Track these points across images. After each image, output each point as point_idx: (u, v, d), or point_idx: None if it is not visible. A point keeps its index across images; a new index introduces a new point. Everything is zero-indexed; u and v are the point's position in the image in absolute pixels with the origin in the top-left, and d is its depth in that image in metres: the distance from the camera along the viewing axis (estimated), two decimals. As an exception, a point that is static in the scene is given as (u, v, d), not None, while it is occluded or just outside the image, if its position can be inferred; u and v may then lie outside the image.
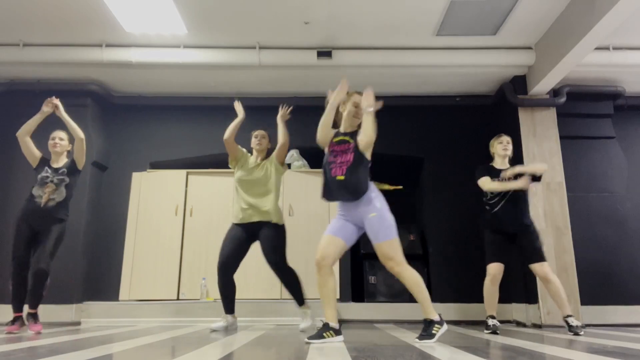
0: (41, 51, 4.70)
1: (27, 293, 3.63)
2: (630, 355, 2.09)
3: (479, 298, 4.97)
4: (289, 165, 5.34)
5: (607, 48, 4.66)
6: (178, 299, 4.93)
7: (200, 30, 4.50)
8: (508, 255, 3.81)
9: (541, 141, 4.93)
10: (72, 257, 4.88)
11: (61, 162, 3.89)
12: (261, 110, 5.54)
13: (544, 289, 4.50)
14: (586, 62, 4.53)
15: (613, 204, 5.05)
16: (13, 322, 3.58)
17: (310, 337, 2.64)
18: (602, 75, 5.07)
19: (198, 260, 5.06)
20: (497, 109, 5.44)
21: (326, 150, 2.93)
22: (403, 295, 5.21)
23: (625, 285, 4.81)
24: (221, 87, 5.41)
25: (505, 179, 3.68)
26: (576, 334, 3.36)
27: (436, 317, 2.71)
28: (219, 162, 5.55)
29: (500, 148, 3.89)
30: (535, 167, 3.85)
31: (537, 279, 4.51)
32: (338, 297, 4.93)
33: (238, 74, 5.07)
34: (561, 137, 4.97)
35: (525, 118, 5.00)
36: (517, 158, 4.98)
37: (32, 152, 3.86)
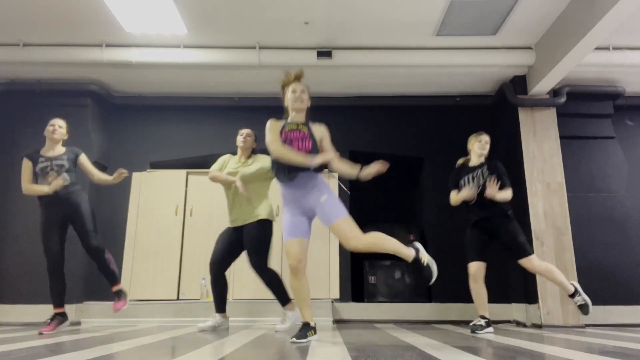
0: (41, 51, 4.70)
1: (102, 274, 3.72)
2: (630, 355, 2.09)
3: (479, 298, 4.97)
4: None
5: (607, 48, 4.66)
6: (178, 299, 4.93)
7: (200, 30, 4.50)
8: (488, 252, 3.82)
9: (541, 141, 4.93)
10: (72, 257, 4.85)
11: (57, 150, 3.84)
12: (261, 110, 5.55)
13: (544, 289, 4.52)
14: (586, 62, 4.53)
15: (613, 204, 5.05)
16: (51, 320, 3.59)
17: (296, 337, 2.66)
18: (602, 75, 5.07)
19: (198, 260, 5.05)
20: (497, 109, 5.44)
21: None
22: (403, 295, 5.21)
23: (625, 285, 4.81)
24: (221, 87, 5.41)
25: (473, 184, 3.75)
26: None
27: (417, 257, 2.84)
28: (219, 162, 5.56)
29: (478, 147, 3.91)
30: (504, 196, 3.70)
31: (537, 279, 4.52)
32: (338, 297, 4.97)
33: (238, 74, 5.07)
34: (561, 137, 4.97)
35: (525, 118, 5.00)
36: (517, 158, 4.99)
37: (31, 178, 3.81)
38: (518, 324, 4.76)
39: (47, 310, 4.66)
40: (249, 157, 3.90)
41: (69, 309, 4.71)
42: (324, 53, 4.74)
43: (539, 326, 4.41)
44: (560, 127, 5.00)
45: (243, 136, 3.95)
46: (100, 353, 2.15)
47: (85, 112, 5.21)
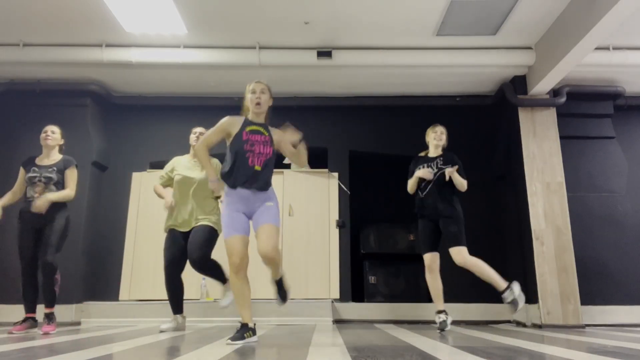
0: (41, 51, 4.70)
1: (40, 291, 3.64)
2: (630, 355, 2.09)
3: (479, 298, 4.98)
4: (288, 166, 5.34)
5: (607, 48, 4.66)
6: (178, 299, 4.92)
7: (200, 30, 4.50)
8: (439, 243, 3.84)
9: (541, 141, 4.93)
10: (72, 257, 4.87)
11: (52, 158, 3.82)
12: (261, 110, 5.56)
13: (544, 289, 4.52)
14: (586, 62, 4.53)
15: (613, 204, 5.05)
16: (22, 322, 3.58)
17: (232, 339, 2.58)
18: (602, 75, 5.06)
19: (198, 260, 5.05)
20: (497, 109, 5.44)
21: (232, 135, 2.82)
22: (403, 295, 5.21)
23: (625, 285, 4.81)
24: (221, 87, 5.41)
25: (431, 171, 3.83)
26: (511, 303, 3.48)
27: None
28: (219, 162, 5.56)
29: (434, 137, 3.98)
30: (460, 180, 3.78)
31: (537, 279, 4.52)
32: (338, 297, 4.97)
33: (238, 74, 5.06)
34: (561, 137, 4.97)
35: (525, 118, 5.00)
36: (517, 158, 4.99)
37: (22, 189, 3.82)
38: (518, 324, 4.76)
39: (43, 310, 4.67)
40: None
41: (69, 309, 4.72)
42: (324, 53, 4.74)
43: (539, 326, 4.41)
44: (560, 127, 5.00)
45: (196, 135, 3.91)
46: (100, 353, 2.15)
47: (85, 112, 5.20)
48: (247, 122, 2.88)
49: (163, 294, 4.91)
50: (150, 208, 5.19)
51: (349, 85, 5.36)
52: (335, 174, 5.40)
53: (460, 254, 3.62)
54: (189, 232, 3.66)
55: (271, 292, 4.58)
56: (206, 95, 5.57)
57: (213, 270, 3.62)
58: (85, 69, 4.98)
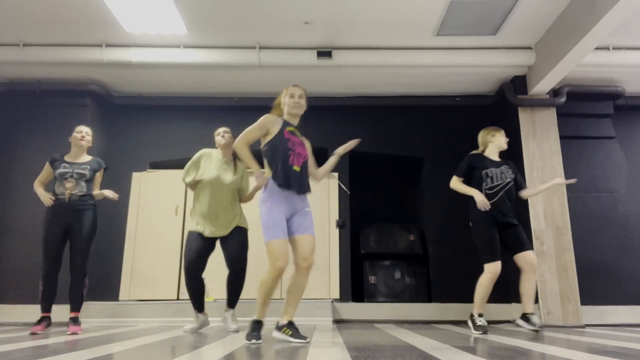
0: (41, 51, 4.70)
1: (69, 292, 3.61)
2: (630, 355, 2.09)
3: (479, 298, 4.97)
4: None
5: (607, 48, 4.66)
6: (178, 299, 4.93)
7: (200, 30, 4.50)
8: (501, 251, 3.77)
9: (541, 141, 4.93)
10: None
11: (82, 158, 3.83)
12: (261, 110, 5.54)
13: (544, 290, 4.51)
14: (586, 62, 4.53)
15: (613, 204, 5.05)
16: (39, 321, 3.55)
17: (255, 337, 2.63)
18: (602, 75, 5.07)
19: (198, 260, 5.05)
20: (497, 109, 5.44)
21: (272, 133, 2.81)
22: (403, 295, 5.21)
23: (625, 285, 4.81)
24: (221, 87, 5.41)
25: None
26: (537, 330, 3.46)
27: None
28: (219, 162, 5.55)
29: (504, 141, 3.84)
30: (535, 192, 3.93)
31: (537, 279, 4.51)
32: (338, 297, 4.97)
33: (238, 74, 5.07)
34: (561, 137, 4.97)
35: (525, 118, 5.00)
36: (517, 158, 4.99)
37: (47, 179, 3.82)
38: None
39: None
40: (231, 160, 3.69)
41: (64, 309, 4.72)
42: (324, 53, 4.74)
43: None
44: (560, 127, 5.00)
45: (221, 134, 3.74)
46: (100, 353, 2.15)
47: (85, 112, 5.20)
48: (285, 123, 2.88)
49: (163, 294, 4.95)
50: (150, 208, 5.19)
51: (349, 85, 5.35)
52: (335, 174, 5.40)
53: (536, 258, 3.61)
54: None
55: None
56: (206, 95, 5.57)
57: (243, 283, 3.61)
58: (85, 69, 4.98)
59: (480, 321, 3.55)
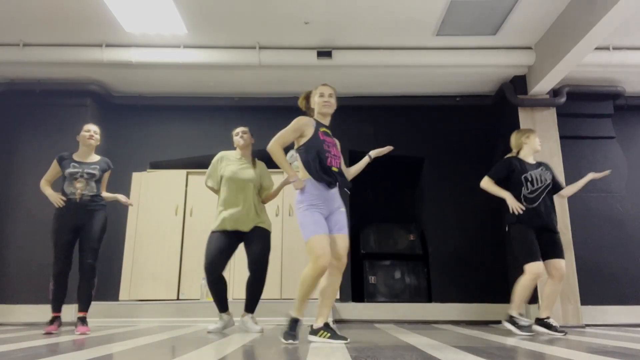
0: (41, 51, 4.70)
1: (78, 292, 3.57)
2: (630, 355, 2.09)
3: (479, 298, 4.99)
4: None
5: (607, 48, 4.67)
6: (178, 299, 4.93)
7: (200, 30, 4.50)
8: None
9: (541, 141, 4.90)
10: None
11: (92, 157, 3.79)
12: (261, 110, 5.56)
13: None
14: (586, 62, 4.53)
15: (613, 204, 5.05)
16: (51, 322, 3.54)
17: (293, 338, 2.62)
18: (602, 75, 5.07)
19: (198, 260, 5.03)
20: (497, 109, 5.44)
21: (306, 135, 2.79)
22: (403, 295, 5.21)
23: (625, 285, 4.81)
24: (221, 87, 5.41)
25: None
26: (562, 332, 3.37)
27: None
28: (219, 162, 5.55)
29: (538, 143, 3.76)
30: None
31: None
32: (338, 297, 4.96)
33: (238, 74, 5.07)
34: (561, 137, 4.97)
35: (525, 118, 5.00)
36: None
37: (54, 178, 3.78)
38: (518, 324, 4.76)
39: (47, 310, 4.65)
40: (250, 159, 3.70)
41: (69, 309, 4.72)
42: (324, 53, 4.75)
43: (539, 326, 4.40)
44: (560, 127, 5.00)
45: (239, 135, 3.72)
46: (100, 353, 2.15)
47: (85, 112, 5.21)
48: (318, 124, 2.87)
49: (163, 294, 4.95)
50: (150, 208, 5.19)
51: (349, 85, 5.35)
52: (335, 174, 5.39)
53: (564, 267, 3.56)
54: (238, 232, 3.54)
55: (271, 292, 4.59)
56: (206, 95, 5.57)
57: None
58: (85, 69, 4.98)
59: (524, 321, 3.43)
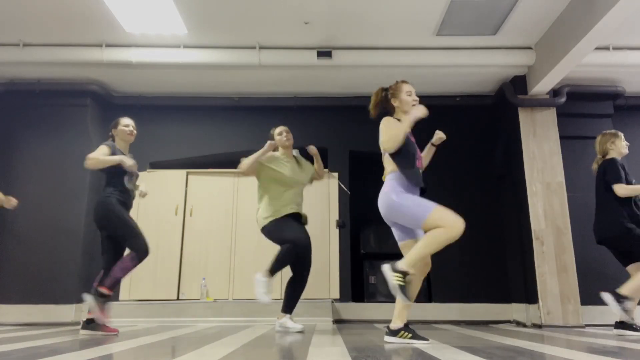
0: (41, 51, 4.70)
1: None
2: (630, 355, 2.09)
3: (479, 298, 4.98)
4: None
5: (607, 48, 4.67)
6: (178, 299, 4.93)
7: (200, 30, 4.50)
8: None
9: (541, 141, 4.93)
10: (71, 257, 4.88)
11: (129, 153, 3.63)
12: (261, 110, 5.57)
13: (544, 290, 4.51)
14: (586, 62, 4.53)
15: (613, 204, 5.03)
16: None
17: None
18: (602, 75, 5.07)
19: (198, 260, 5.06)
20: (497, 109, 5.44)
21: (399, 137, 2.81)
22: (403, 295, 5.21)
23: (625, 285, 4.80)
24: (221, 87, 5.41)
25: None
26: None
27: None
28: (219, 162, 5.56)
29: (624, 146, 3.75)
30: None
31: (537, 279, 4.51)
32: (338, 297, 4.96)
33: (238, 74, 5.07)
34: (561, 137, 4.97)
35: (525, 118, 5.00)
36: (517, 158, 4.99)
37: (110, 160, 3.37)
38: (518, 324, 4.76)
39: (47, 310, 4.68)
40: (292, 157, 3.86)
41: (69, 309, 4.73)
42: (324, 53, 4.74)
43: (539, 326, 4.41)
44: (560, 127, 5.00)
45: (284, 135, 3.79)
46: (100, 353, 2.15)
47: (85, 112, 5.21)
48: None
49: (163, 294, 4.95)
50: (150, 208, 5.19)
51: (349, 85, 5.35)
52: (335, 174, 5.40)
53: None
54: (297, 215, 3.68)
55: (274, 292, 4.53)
56: (206, 95, 5.57)
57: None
58: (85, 69, 4.98)
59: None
